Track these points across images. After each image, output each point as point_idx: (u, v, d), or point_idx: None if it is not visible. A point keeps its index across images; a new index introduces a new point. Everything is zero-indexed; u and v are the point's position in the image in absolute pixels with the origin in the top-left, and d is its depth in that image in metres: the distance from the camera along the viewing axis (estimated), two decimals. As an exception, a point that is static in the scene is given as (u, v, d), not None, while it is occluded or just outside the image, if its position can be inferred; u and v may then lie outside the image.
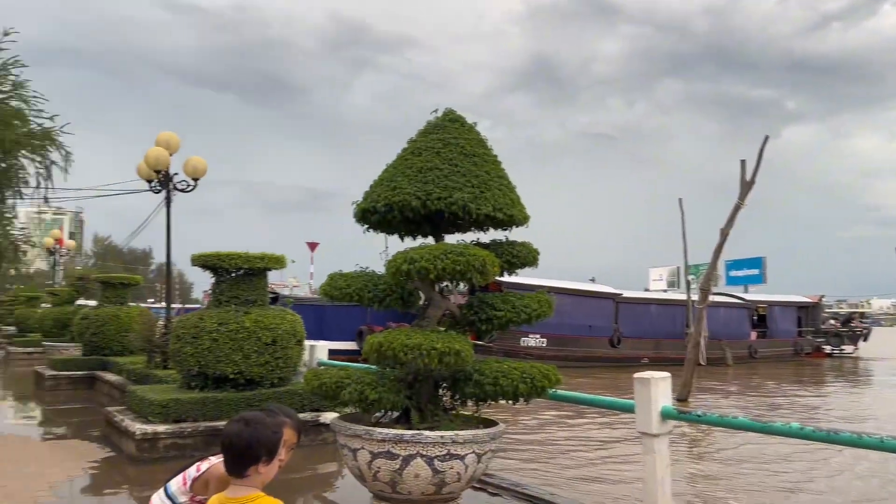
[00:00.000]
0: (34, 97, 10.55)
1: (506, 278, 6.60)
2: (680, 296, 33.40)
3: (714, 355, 28.96)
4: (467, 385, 5.22)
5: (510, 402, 5.25)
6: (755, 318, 36.93)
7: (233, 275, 9.73)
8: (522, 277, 8.44)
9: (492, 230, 6.00)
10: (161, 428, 8.16)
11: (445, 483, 5.03)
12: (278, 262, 9.91)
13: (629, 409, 5.32)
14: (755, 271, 44.47)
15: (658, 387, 5.02)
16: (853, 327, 42.24)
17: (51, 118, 10.79)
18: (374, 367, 5.72)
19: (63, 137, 10.98)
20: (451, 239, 5.84)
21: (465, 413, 5.75)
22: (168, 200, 13.46)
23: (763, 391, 21.42)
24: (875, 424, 14.36)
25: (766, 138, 17.26)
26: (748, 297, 38.68)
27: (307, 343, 10.47)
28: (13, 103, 10.35)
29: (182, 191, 13.55)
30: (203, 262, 9.66)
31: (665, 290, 45.38)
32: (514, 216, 5.65)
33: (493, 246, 5.86)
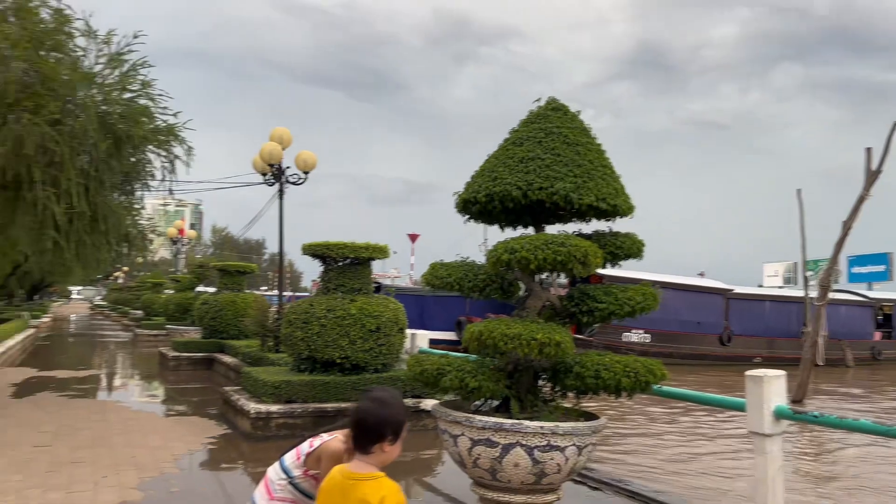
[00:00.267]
0: (160, 95, 11.32)
1: (609, 271, 6.49)
2: (797, 292, 31.53)
3: (833, 356, 27.21)
4: (568, 377, 5.18)
5: (612, 396, 5.16)
6: (880, 317, 34.31)
7: (339, 264, 10.10)
8: (626, 270, 8.28)
9: (594, 220, 5.89)
10: (273, 408, 8.61)
11: (545, 474, 5.02)
12: (382, 252, 10.18)
13: (740, 408, 5.10)
14: (881, 267, 41.33)
15: (771, 385, 4.78)
16: None
17: (174, 115, 11.54)
18: (472, 356, 5.77)
19: (185, 133, 11.69)
20: (552, 229, 5.79)
21: (566, 405, 5.70)
22: (281, 193, 14.09)
23: (887, 394, 19.91)
24: None
25: (895, 125, 15.96)
26: (872, 294, 35.96)
27: (408, 331, 10.70)
28: (141, 101, 11.14)
29: (294, 184, 14.16)
30: (313, 251, 10.08)
31: (781, 287, 42.97)
32: (617, 206, 5.51)
33: (596, 237, 5.76)
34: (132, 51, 10.96)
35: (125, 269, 51.08)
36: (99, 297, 79.18)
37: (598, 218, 5.78)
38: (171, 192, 12.30)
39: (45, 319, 34.49)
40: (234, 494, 6.33)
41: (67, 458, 7.05)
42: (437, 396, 6.29)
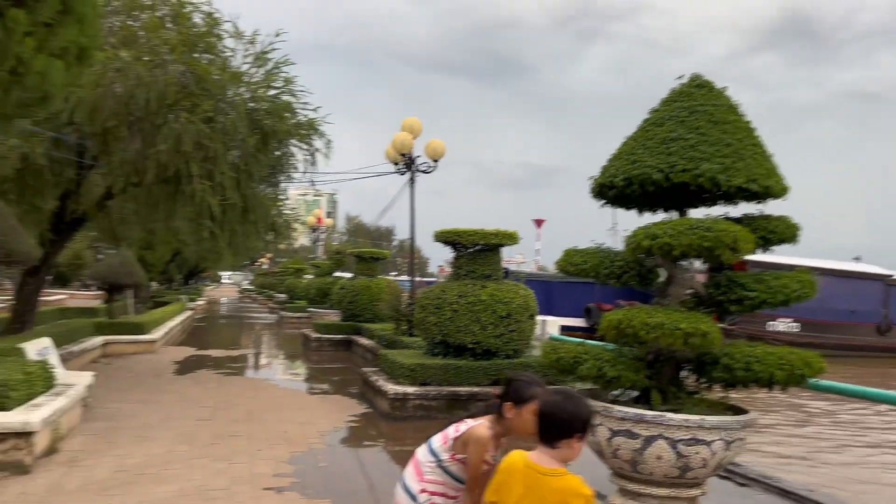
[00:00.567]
0: (301, 91, 11.88)
1: (755, 256, 6.10)
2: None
3: None
4: (715, 369, 4.94)
5: (764, 389, 4.88)
6: None
7: (470, 250, 10.21)
8: (774, 256, 7.73)
9: (742, 203, 5.56)
10: (410, 389, 8.89)
11: (689, 468, 4.84)
12: (511, 239, 10.17)
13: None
14: None
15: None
16: None
17: (314, 109, 12.08)
18: (606, 344, 5.65)
19: (324, 126, 12.21)
20: (695, 214, 5.53)
21: (710, 398, 5.45)
22: (412, 181, 14.43)
23: None
24: None
25: None
26: None
27: (538, 318, 10.65)
28: (284, 98, 11.76)
29: (424, 172, 14.45)
30: (444, 238, 10.26)
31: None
32: (769, 188, 5.16)
33: (745, 220, 5.43)
34: (275, 49, 11.61)
35: (269, 255, 54.51)
36: (246, 282, 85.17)
37: (748, 200, 5.45)
38: (312, 183, 12.94)
39: (200, 302, 37.55)
40: (375, 471, 6.61)
41: (226, 432, 7.66)
42: (571, 384, 6.22)
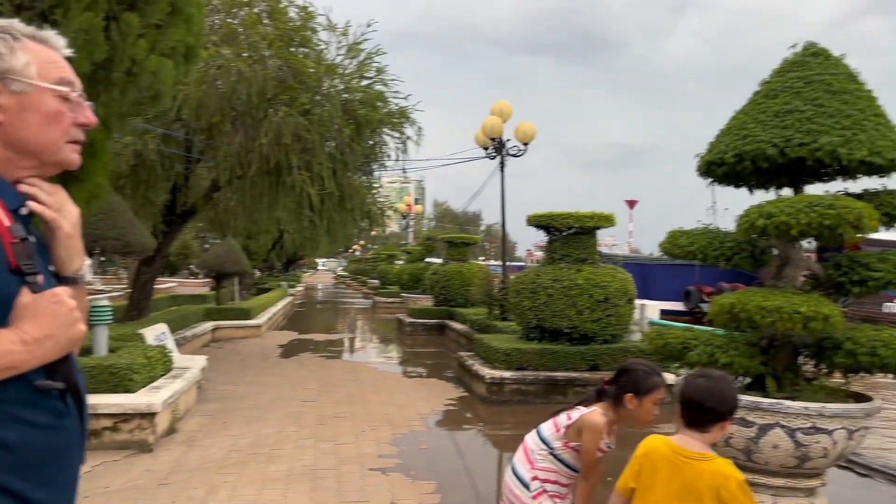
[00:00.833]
0: (392, 80, 12.02)
1: (872, 235, 5.69)
2: None
3: None
4: (837, 354, 4.66)
5: (891, 375, 4.57)
6: None
7: (564, 234, 10.06)
8: (888, 233, 7.21)
9: (862, 178, 5.19)
10: (507, 374, 8.89)
11: (808, 458, 4.60)
12: (608, 221, 9.94)
13: None
14: None
15: None
16: None
17: (405, 97, 12.21)
18: (718, 329, 5.42)
19: (414, 114, 12.33)
20: (812, 190, 5.21)
21: (829, 385, 5.15)
22: (502, 165, 14.36)
23: None
24: None
25: None
26: None
27: (637, 302, 10.38)
28: (377, 87, 11.94)
29: (514, 156, 14.34)
30: (537, 221, 10.16)
31: None
32: (895, 160, 4.80)
33: (867, 196, 5.07)
34: (366, 39, 11.79)
35: (362, 242, 55.87)
36: (340, 268, 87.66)
37: (870, 174, 5.09)
38: (403, 171, 13.10)
39: (299, 288, 38.97)
40: (475, 454, 6.67)
41: (331, 413, 7.92)
42: (675, 371, 6.02)
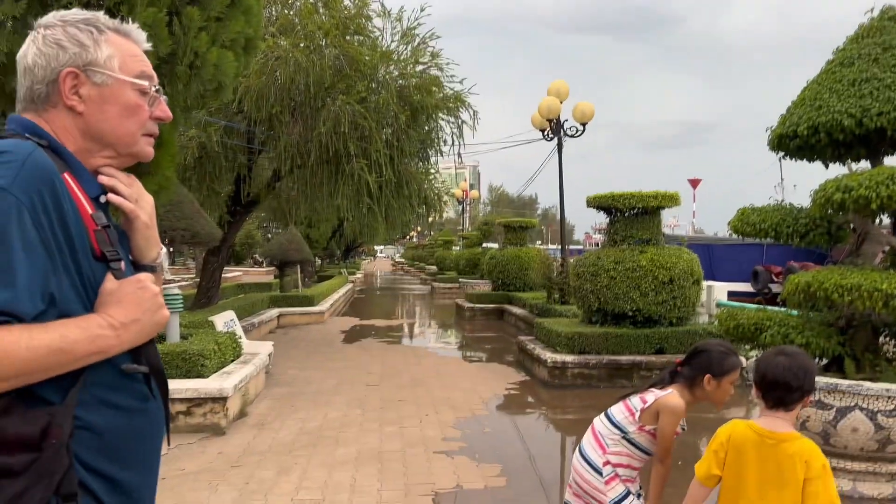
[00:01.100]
0: (447, 64, 11.97)
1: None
2: None
3: None
4: (922, 333, 4.43)
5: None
6: None
7: (626, 214, 9.85)
8: None
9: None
10: (569, 358, 8.80)
11: (891, 441, 4.42)
12: (673, 200, 9.68)
13: None
14: None
15: None
16: None
17: (460, 82, 12.15)
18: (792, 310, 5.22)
19: (470, 98, 12.25)
20: (892, 162, 4.96)
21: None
22: (559, 147, 14.16)
23: None
24: None
25: None
26: None
27: (704, 283, 10.11)
28: (432, 72, 11.91)
29: (571, 136, 14.12)
30: (598, 202, 9.97)
31: None
32: None
33: (955, 167, 4.78)
34: (420, 24, 11.77)
35: (418, 228, 56.21)
36: (398, 255, 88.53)
37: (959, 143, 4.81)
38: (459, 156, 13.05)
39: (359, 275, 39.52)
40: (538, 438, 6.64)
41: (394, 397, 8.01)
42: (747, 354, 5.83)
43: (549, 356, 8.89)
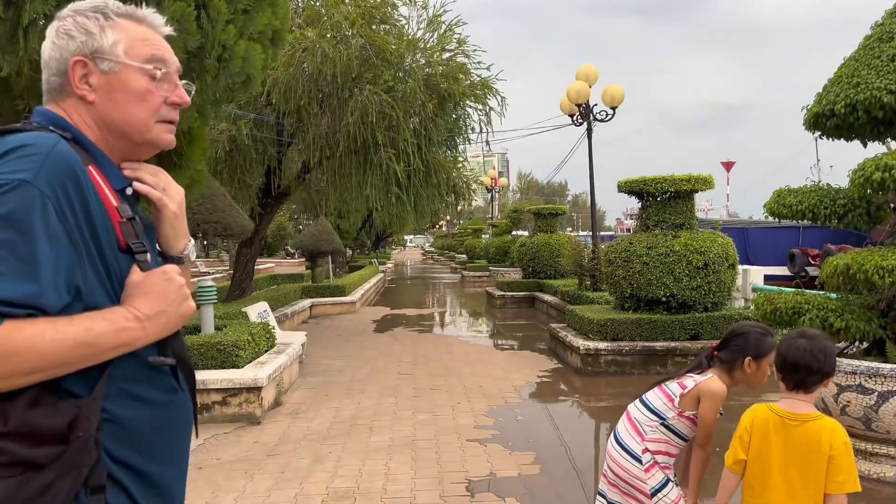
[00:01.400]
0: (474, 51, 11.89)
1: None
2: None
3: None
4: (969, 315, 4.29)
5: None
6: None
7: (658, 199, 9.71)
8: None
9: None
10: (601, 345, 8.73)
11: (937, 428, 4.29)
12: (705, 184, 9.51)
13: None
14: None
15: None
16: None
17: (488, 68, 12.07)
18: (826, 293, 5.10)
19: (498, 85, 12.16)
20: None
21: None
22: (589, 131, 14.00)
23: None
24: None
25: None
26: None
27: (740, 268, 9.92)
28: (458, 59, 11.85)
29: (601, 121, 13.94)
30: (629, 187, 9.84)
31: None
32: None
33: None
34: (446, 11, 11.71)
35: (447, 217, 56.22)
36: (427, 244, 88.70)
37: None
38: (487, 143, 12.98)
39: (389, 265, 39.72)
40: (571, 426, 6.60)
41: (426, 385, 8.04)
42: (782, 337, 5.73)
43: (581, 343, 8.83)
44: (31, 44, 4.35)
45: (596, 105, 13.98)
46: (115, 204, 1.27)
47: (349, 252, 30.92)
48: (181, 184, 6.46)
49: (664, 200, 9.64)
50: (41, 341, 1.08)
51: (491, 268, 25.69)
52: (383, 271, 31.26)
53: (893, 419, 4.36)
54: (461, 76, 11.78)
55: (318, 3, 11.86)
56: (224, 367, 6.79)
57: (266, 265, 30.21)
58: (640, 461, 2.72)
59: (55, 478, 1.10)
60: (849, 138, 5.24)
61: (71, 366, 1.14)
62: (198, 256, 35.15)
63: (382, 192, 11.23)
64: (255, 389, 6.58)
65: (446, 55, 11.81)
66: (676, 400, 2.71)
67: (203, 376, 6.51)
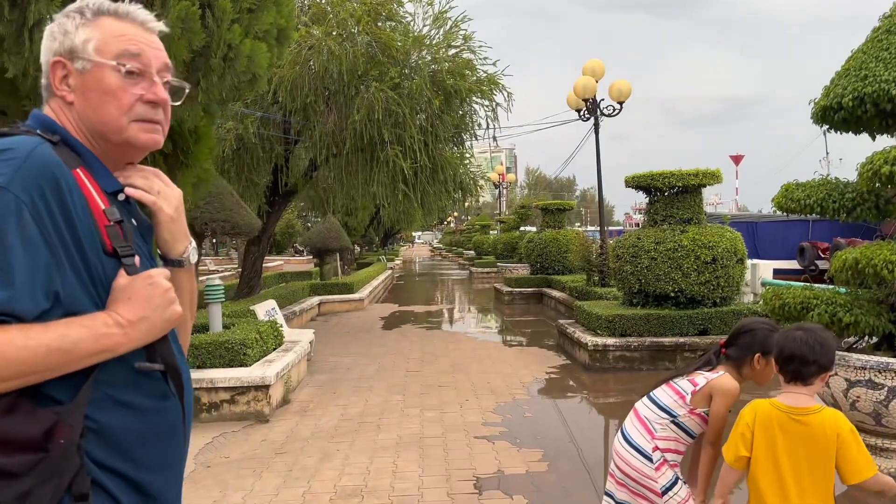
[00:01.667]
0: (480, 47, 11.87)
1: None
2: None
3: None
4: (980, 309, 4.25)
5: None
6: None
7: (666, 194, 9.67)
8: None
9: None
10: (610, 341, 8.71)
11: (948, 423, 4.25)
12: (714, 178, 9.45)
13: None
14: None
15: None
16: None
17: (494, 63, 12.04)
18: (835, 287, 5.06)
19: (504, 80, 12.13)
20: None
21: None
22: (596, 127, 13.94)
23: None
24: None
25: None
26: None
27: (749, 262, 9.87)
28: (464, 55, 11.82)
29: (608, 116, 13.88)
30: (636, 182, 9.80)
31: None
32: None
33: None
34: (452, 7, 11.69)
35: (455, 213, 56.23)
36: (436, 241, 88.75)
37: None
38: (494, 139, 12.96)
39: (398, 262, 39.77)
40: (580, 423, 6.59)
41: (434, 382, 8.04)
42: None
43: (589, 339, 8.81)
44: (37, 45, 4.36)
45: (603, 100, 13.92)
46: (102, 207, 1.25)
47: (357, 249, 30.97)
48: (188, 183, 6.47)
49: (672, 195, 9.59)
50: (11, 349, 1.06)
51: (499, 264, 25.68)
52: (392, 268, 31.30)
53: (904, 414, 4.32)
54: (467, 72, 11.76)
55: (323, 1, 11.86)
56: (232, 366, 6.81)
57: (275, 263, 30.32)
58: (650, 459, 2.70)
59: (34, 485, 1.08)
60: (857, 131, 5.19)
61: (47, 373, 1.12)
62: (206, 254, 35.29)
63: (389, 190, 11.23)
64: (264, 388, 6.60)
65: (452, 51, 11.80)
66: (688, 397, 2.69)
67: (211, 375, 6.55)
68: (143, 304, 1.23)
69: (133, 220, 1.36)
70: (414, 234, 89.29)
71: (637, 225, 36.61)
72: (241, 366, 6.83)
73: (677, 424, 2.71)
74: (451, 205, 14.81)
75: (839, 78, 4.92)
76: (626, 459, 2.78)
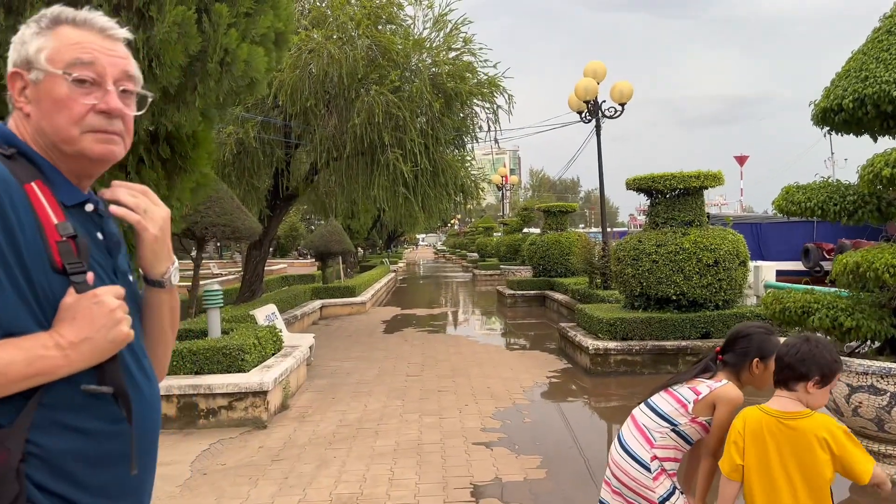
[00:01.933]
0: (480, 49, 11.83)
1: None
2: None
3: None
4: (983, 313, 4.19)
5: None
6: None
7: (667, 196, 9.62)
8: None
9: None
10: (611, 344, 8.65)
11: (952, 429, 4.19)
12: (715, 180, 9.40)
13: None
14: None
15: None
16: None
17: (494, 66, 12.00)
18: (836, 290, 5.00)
19: (505, 82, 12.10)
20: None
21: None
22: (598, 128, 13.89)
23: None
24: None
25: None
26: None
27: (752, 264, 9.80)
28: (465, 58, 11.79)
29: (610, 117, 13.83)
30: (637, 185, 9.75)
31: None
32: None
33: None
34: (452, 10, 11.66)
35: (458, 216, 56.17)
36: (439, 243, 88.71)
37: None
38: (496, 141, 12.93)
39: (401, 265, 39.73)
40: (580, 428, 6.53)
41: (434, 387, 8.00)
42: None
43: (590, 343, 8.75)
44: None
45: (605, 101, 13.88)
46: (55, 221, 1.19)
47: (360, 252, 30.94)
48: (186, 187, 6.44)
49: (673, 197, 9.54)
50: None
51: (502, 266, 25.63)
52: (395, 271, 31.25)
53: (906, 420, 4.26)
54: (468, 75, 11.73)
55: (323, 5, 11.85)
56: (230, 372, 6.78)
57: (278, 266, 30.28)
58: (648, 469, 2.64)
59: None
60: (858, 133, 5.13)
61: None
62: (210, 258, 35.33)
63: (390, 193, 11.20)
64: (261, 393, 6.57)
65: (452, 54, 11.77)
66: (690, 406, 2.63)
67: (209, 381, 6.52)
68: (87, 325, 1.16)
69: (99, 234, 1.31)
70: (418, 236, 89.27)
71: (642, 226, 36.50)
72: (238, 371, 6.80)
73: (677, 433, 2.66)
74: (452, 207, 14.77)
75: (839, 79, 4.87)
76: (622, 468, 2.72)
